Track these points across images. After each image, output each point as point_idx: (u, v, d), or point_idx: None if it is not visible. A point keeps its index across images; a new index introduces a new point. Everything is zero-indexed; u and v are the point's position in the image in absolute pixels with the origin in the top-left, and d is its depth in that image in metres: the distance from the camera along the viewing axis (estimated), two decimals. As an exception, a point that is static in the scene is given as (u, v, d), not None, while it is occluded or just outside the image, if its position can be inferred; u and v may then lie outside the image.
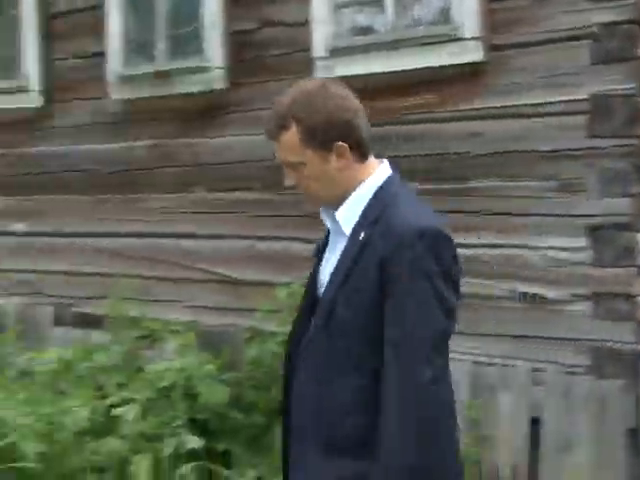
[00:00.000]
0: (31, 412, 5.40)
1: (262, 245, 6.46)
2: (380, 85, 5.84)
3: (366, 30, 6.17)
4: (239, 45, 6.49)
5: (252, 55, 6.47)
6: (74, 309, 7.42)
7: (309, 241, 5.67)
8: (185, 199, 6.87)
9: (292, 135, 2.66)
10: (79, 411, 5.51)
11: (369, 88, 5.67)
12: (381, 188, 2.74)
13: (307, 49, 6.10)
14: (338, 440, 2.61)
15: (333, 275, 2.71)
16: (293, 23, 6.25)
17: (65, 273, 7.54)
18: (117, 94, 7.12)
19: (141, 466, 4.99)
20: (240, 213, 6.56)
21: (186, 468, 5.11)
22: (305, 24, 6.10)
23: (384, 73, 5.81)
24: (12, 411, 5.32)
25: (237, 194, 6.57)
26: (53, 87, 7.62)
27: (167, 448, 5.19)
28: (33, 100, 7.65)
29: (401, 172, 5.28)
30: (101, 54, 7.15)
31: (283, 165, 2.76)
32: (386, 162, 2.83)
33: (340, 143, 2.65)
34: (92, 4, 7.33)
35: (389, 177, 2.77)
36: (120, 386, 5.83)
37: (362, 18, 6.27)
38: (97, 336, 6.66)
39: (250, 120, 6.34)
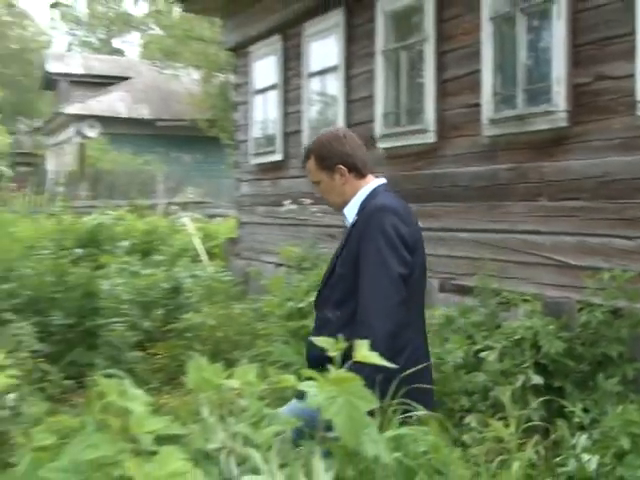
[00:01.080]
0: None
1: (591, 240, 6.42)
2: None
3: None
4: (578, 94, 6.52)
5: (588, 101, 6.46)
6: (454, 282, 7.70)
7: (628, 237, 6.02)
8: (533, 206, 6.90)
9: (312, 162, 3.50)
10: (456, 352, 5.83)
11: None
12: (371, 192, 3.42)
13: (631, 95, 6.04)
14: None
15: (338, 247, 3.53)
16: (621, 76, 6.21)
17: (448, 257, 7.83)
18: (488, 132, 7.29)
19: (504, 394, 5.02)
20: (574, 216, 6.56)
21: (534, 401, 4.97)
22: (631, 76, 6.04)
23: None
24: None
25: (572, 202, 6.57)
26: (443, 128, 7.92)
27: (518, 382, 5.30)
28: (430, 138, 8.03)
29: None
30: (477, 105, 7.42)
31: (313, 184, 3.61)
32: (382, 179, 3.53)
33: (339, 166, 3.41)
34: (470, 71, 7.58)
35: (378, 186, 3.46)
36: (484, 337, 5.99)
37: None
38: (469, 301, 6.80)
39: (585, 149, 6.48)
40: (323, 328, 3.35)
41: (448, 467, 2.59)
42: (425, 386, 3.04)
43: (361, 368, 2.80)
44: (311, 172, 3.55)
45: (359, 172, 3.46)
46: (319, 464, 1.75)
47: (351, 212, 3.46)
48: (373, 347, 2.77)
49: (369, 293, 3.17)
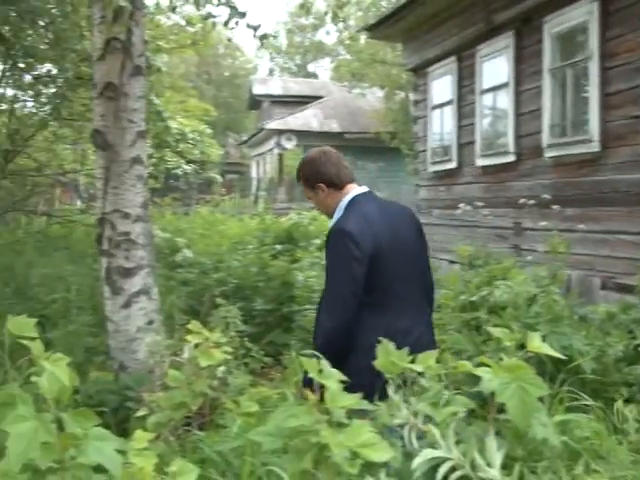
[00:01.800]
0: (589, 344, 5.26)
1: None
2: None
3: None
4: None
5: None
6: (614, 280, 7.40)
7: None
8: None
9: (302, 181, 3.69)
10: (617, 346, 5.32)
11: None
12: (350, 201, 3.53)
13: None
14: None
15: None
16: None
17: (609, 257, 7.56)
18: (648, 142, 7.01)
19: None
20: None
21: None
22: None
23: None
24: (579, 342, 5.20)
25: None
26: (607, 138, 7.66)
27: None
28: (594, 147, 7.80)
29: None
30: (638, 117, 7.21)
31: (307, 197, 3.77)
32: (363, 187, 3.65)
33: (319, 184, 3.58)
34: (633, 85, 7.33)
35: (353, 197, 3.55)
36: (645, 332, 5.48)
37: None
38: (630, 299, 6.37)
39: None
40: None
41: (609, 452, 2.49)
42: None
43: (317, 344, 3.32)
44: (304, 190, 3.76)
45: (336, 186, 3.60)
46: (492, 443, 1.71)
47: (334, 221, 3.60)
48: (319, 344, 3.28)
49: (324, 302, 3.42)
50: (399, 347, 3.26)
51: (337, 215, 3.58)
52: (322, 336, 3.35)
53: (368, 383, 2.62)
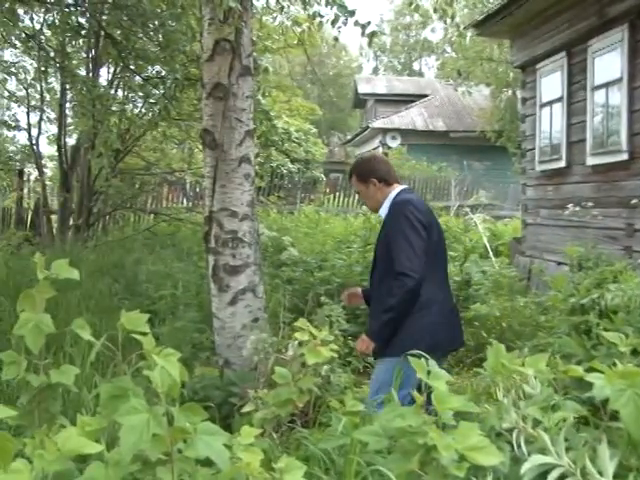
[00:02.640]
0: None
1: None
2: None
3: None
4: None
5: None
6: None
7: None
8: None
9: (354, 177, 4.40)
10: None
11: None
12: (397, 194, 4.24)
13: None
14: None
15: (378, 236, 4.30)
16: None
17: None
18: None
19: None
20: None
21: None
22: None
23: None
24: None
25: None
26: None
27: None
28: None
29: None
30: None
31: (356, 192, 4.61)
32: (405, 185, 4.37)
33: (372, 179, 4.29)
34: None
35: (401, 190, 4.27)
36: None
37: None
38: None
39: None
40: (376, 302, 4.21)
41: None
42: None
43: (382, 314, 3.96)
44: (354, 185, 4.44)
45: (386, 182, 4.30)
46: (604, 451, 1.66)
47: (384, 211, 4.26)
48: (400, 297, 3.85)
49: (400, 257, 3.90)
50: (443, 312, 4.15)
51: (385, 208, 4.25)
52: (400, 294, 3.89)
53: (421, 342, 3.54)
